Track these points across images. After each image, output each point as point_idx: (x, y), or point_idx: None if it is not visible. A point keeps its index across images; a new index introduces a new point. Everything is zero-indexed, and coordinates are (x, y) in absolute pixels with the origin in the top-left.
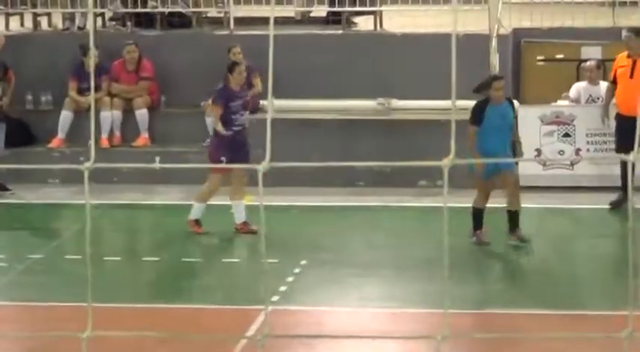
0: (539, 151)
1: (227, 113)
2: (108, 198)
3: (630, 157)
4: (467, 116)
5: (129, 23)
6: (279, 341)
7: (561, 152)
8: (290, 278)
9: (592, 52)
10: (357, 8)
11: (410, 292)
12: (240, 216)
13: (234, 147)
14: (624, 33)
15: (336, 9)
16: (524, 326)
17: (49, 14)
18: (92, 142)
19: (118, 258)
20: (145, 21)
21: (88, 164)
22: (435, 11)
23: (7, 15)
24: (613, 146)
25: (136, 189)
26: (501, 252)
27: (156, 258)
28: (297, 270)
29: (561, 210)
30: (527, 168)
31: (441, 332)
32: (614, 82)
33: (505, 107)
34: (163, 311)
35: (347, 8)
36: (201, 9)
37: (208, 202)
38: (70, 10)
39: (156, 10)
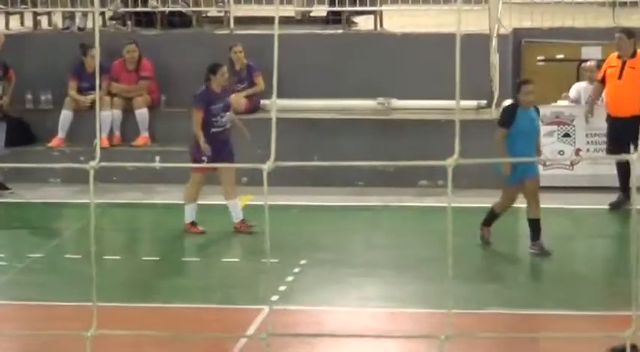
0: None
1: (208, 115)
2: (108, 198)
3: (634, 157)
4: (467, 116)
5: (129, 23)
6: (278, 341)
7: (561, 152)
8: (290, 278)
9: (592, 53)
10: (358, 8)
11: (410, 292)
12: (237, 215)
13: (216, 147)
14: (616, 34)
15: (337, 9)
16: (524, 325)
17: (49, 13)
18: (98, 141)
19: (118, 257)
20: (145, 20)
21: (93, 163)
22: (435, 11)
23: (7, 14)
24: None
25: (136, 188)
26: (501, 252)
27: (155, 258)
28: (296, 270)
29: (561, 211)
30: None
31: (444, 332)
32: (602, 82)
33: (532, 112)
34: (162, 310)
35: (347, 8)
36: (202, 8)
37: (208, 202)
38: (70, 9)
39: (156, 10)
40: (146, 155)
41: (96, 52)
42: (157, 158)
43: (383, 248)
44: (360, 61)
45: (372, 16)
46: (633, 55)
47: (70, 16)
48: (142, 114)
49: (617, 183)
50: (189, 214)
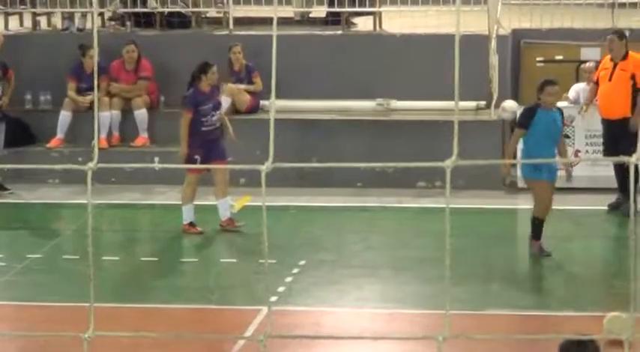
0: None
1: (197, 115)
2: (107, 198)
3: (632, 159)
4: (466, 117)
5: (128, 23)
6: (277, 342)
7: None
8: (289, 279)
9: (591, 53)
10: (357, 9)
11: (408, 293)
12: (224, 213)
13: (208, 146)
14: (607, 36)
15: (336, 9)
16: (521, 327)
17: (48, 14)
18: (95, 142)
19: (117, 258)
20: (144, 21)
21: (91, 164)
22: (434, 12)
23: (7, 14)
24: None
25: (135, 189)
26: (499, 253)
27: (154, 258)
28: (295, 271)
29: (559, 212)
30: None
31: (442, 333)
32: (597, 83)
33: (555, 113)
34: (161, 311)
35: (346, 9)
36: (201, 9)
37: (206, 203)
38: (69, 9)
39: (155, 10)
40: (145, 156)
41: (94, 52)
42: (156, 159)
43: (382, 249)
44: (359, 61)
45: (371, 17)
46: (625, 56)
47: (69, 17)
48: (141, 114)
49: (614, 185)
50: (187, 215)
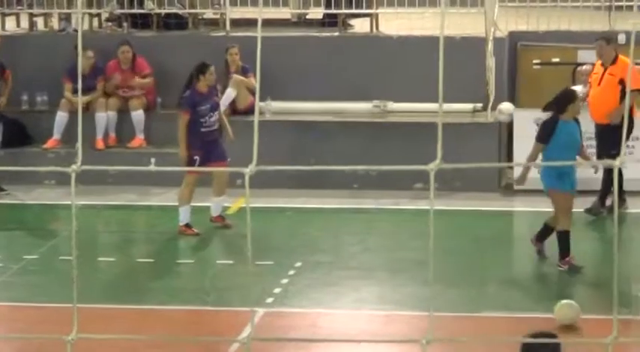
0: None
1: (196, 116)
2: (103, 199)
3: (616, 162)
4: (463, 119)
5: (125, 24)
6: (273, 344)
7: None
8: (284, 280)
9: (588, 56)
10: (354, 10)
11: (405, 294)
12: (216, 209)
13: (207, 146)
14: (596, 40)
15: (333, 11)
16: (517, 329)
17: (45, 15)
18: (79, 145)
19: (112, 259)
20: (141, 22)
21: (75, 166)
22: (430, 14)
23: (3, 15)
24: None
25: (131, 190)
26: (495, 255)
27: (150, 259)
28: (291, 272)
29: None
30: None
31: (426, 336)
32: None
33: (573, 124)
34: (157, 312)
35: (343, 10)
36: (198, 10)
37: (203, 204)
38: (66, 10)
39: (152, 12)
40: (141, 157)
41: (78, 52)
42: (153, 160)
43: (378, 250)
44: (356, 63)
45: (368, 19)
46: (614, 61)
47: (66, 18)
48: (138, 115)
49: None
50: (184, 216)
